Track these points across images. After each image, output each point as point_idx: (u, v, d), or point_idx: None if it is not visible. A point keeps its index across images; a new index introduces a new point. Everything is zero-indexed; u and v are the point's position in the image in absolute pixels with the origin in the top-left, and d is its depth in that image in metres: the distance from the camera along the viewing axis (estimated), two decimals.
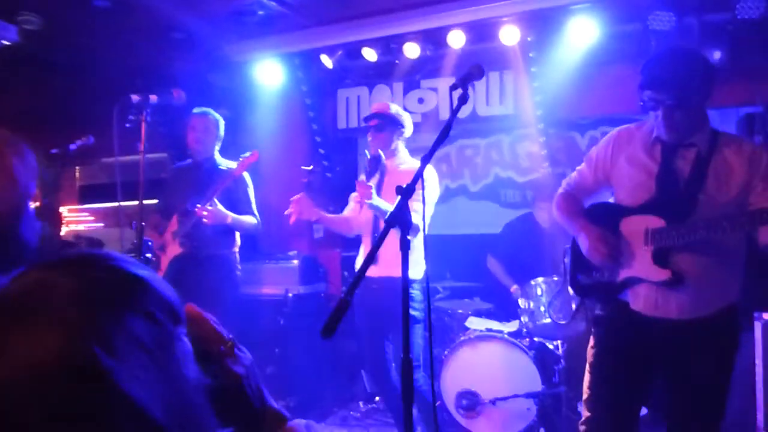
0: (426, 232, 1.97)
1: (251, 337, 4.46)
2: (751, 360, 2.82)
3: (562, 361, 3.62)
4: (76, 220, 6.52)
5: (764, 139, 3.75)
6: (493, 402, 3.59)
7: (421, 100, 5.21)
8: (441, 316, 4.23)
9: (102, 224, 6.39)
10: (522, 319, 3.79)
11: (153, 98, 3.16)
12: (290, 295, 4.64)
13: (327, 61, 4.86)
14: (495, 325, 3.93)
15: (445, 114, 5.07)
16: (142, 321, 0.61)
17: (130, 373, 0.57)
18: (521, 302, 3.81)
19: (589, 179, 2.41)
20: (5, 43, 4.26)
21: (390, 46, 4.71)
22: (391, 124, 3.37)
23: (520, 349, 3.61)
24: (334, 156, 5.61)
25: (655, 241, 2.14)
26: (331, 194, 5.12)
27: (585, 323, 3.40)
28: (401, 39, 4.60)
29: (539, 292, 3.72)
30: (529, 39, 4.45)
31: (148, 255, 3.81)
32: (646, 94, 2.10)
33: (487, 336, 3.73)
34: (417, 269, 3.14)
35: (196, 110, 3.83)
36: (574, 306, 3.39)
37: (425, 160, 1.74)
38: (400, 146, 3.44)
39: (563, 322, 3.49)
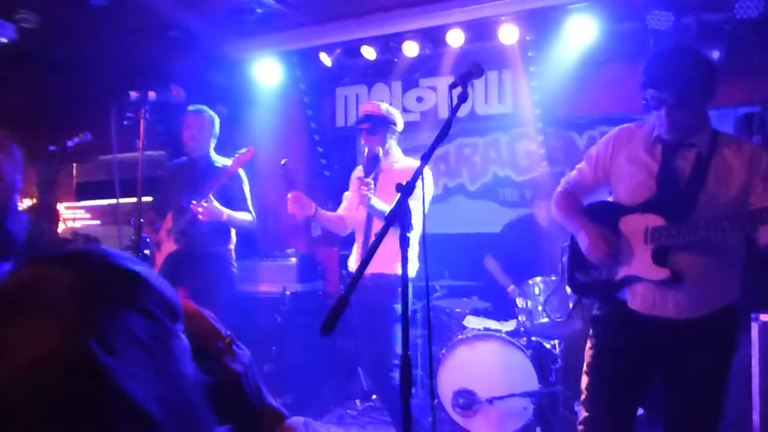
0: (423, 231, 1.97)
1: (249, 335, 4.43)
2: (747, 361, 2.82)
3: (559, 360, 3.63)
4: (74, 217, 6.51)
5: (762, 139, 3.75)
6: (490, 401, 3.60)
7: (420, 99, 5.21)
8: (439, 315, 4.23)
9: (99, 221, 6.39)
10: (519, 318, 3.79)
11: (151, 95, 3.16)
12: (288, 293, 4.64)
13: (326, 59, 4.85)
14: (492, 324, 3.93)
15: (444, 113, 5.07)
16: (139, 317, 0.61)
17: (127, 369, 0.56)
18: (519, 301, 3.82)
19: (588, 177, 2.41)
20: (3, 40, 4.25)
21: (389, 44, 4.70)
22: (383, 124, 3.36)
23: (518, 348, 3.61)
24: (333, 154, 5.61)
25: (655, 240, 2.14)
26: (329, 192, 5.12)
27: (582, 322, 3.41)
28: (400, 37, 4.60)
29: (537, 291, 3.73)
30: (527, 38, 4.45)
31: (146, 252, 3.81)
32: (649, 93, 2.10)
33: (485, 335, 3.73)
34: (410, 267, 3.14)
35: (191, 108, 3.83)
36: (571, 305, 3.40)
37: (425, 159, 1.74)
38: (393, 144, 3.44)
39: (560, 320, 3.49)
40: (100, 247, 0.65)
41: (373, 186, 3.10)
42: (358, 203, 3.19)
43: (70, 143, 3.30)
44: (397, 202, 1.64)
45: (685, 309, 2.13)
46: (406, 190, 1.64)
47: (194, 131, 3.82)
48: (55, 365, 0.54)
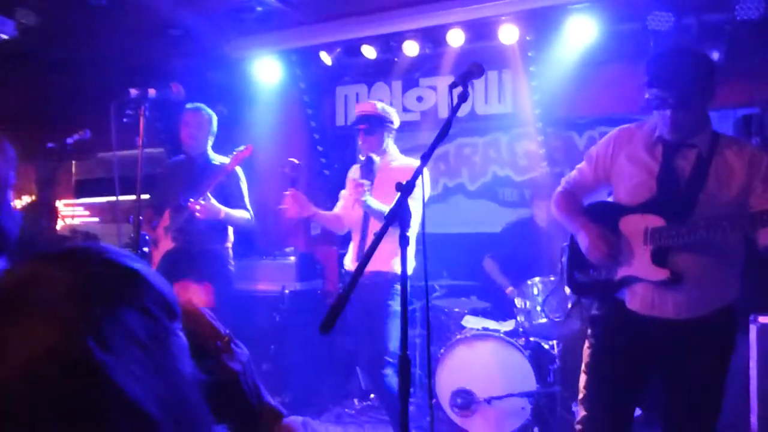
0: (423, 230, 1.97)
1: (248, 334, 4.46)
2: (745, 362, 2.82)
3: (557, 360, 3.63)
4: (73, 214, 6.50)
5: (762, 141, 3.75)
6: (488, 401, 3.60)
7: (420, 99, 5.21)
8: (438, 315, 4.23)
9: (98, 219, 6.38)
10: (518, 318, 3.80)
11: (151, 92, 3.16)
12: (287, 291, 4.64)
13: (326, 58, 4.85)
14: (491, 324, 3.93)
15: (444, 112, 5.07)
16: (137, 316, 0.61)
17: (125, 368, 0.56)
18: (518, 302, 3.82)
19: (589, 177, 2.41)
20: (3, 37, 4.24)
21: (389, 43, 4.70)
22: (380, 124, 3.37)
23: (516, 348, 3.61)
24: (333, 153, 5.61)
25: (654, 241, 2.14)
26: (329, 192, 5.12)
27: (580, 322, 3.42)
28: (400, 37, 4.60)
29: (536, 291, 3.73)
30: (527, 38, 4.45)
31: (145, 249, 3.81)
32: (652, 92, 2.10)
33: (483, 335, 3.73)
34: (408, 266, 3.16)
35: (189, 106, 3.84)
36: (569, 305, 3.40)
37: (425, 159, 1.74)
38: (390, 143, 3.44)
39: (558, 320, 3.50)
40: (99, 245, 0.65)
41: (368, 187, 3.10)
42: (354, 202, 3.19)
43: (69, 141, 3.29)
44: (397, 202, 1.64)
45: (684, 309, 2.13)
46: (405, 189, 1.64)
47: (192, 129, 3.82)
48: (54, 364, 0.54)
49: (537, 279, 3.74)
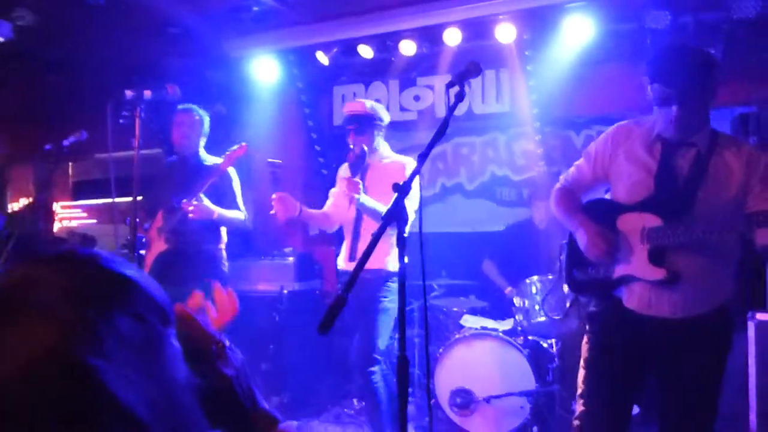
0: (420, 230, 1.96)
1: (246, 335, 4.45)
2: (743, 360, 2.82)
3: (556, 359, 3.64)
4: (70, 216, 6.49)
5: (759, 140, 3.75)
6: (487, 400, 3.60)
7: (417, 98, 5.21)
8: (436, 314, 4.23)
9: (95, 220, 6.37)
10: (517, 317, 3.80)
11: (147, 94, 3.16)
12: (285, 291, 4.64)
13: (323, 57, 4.85)
14: (490, 323, 3.93)
15: (441, 111, 5.07)
16: (130, 321, 0.61)
17: (117, 372, 0.57)
18: (516, 301, 3.82)
19: (587, 175, 2.40)
20: (0, 40, 4.23)
21: (386, 43, 4.70)
22: (370, 123, 3.35)
23: (515, 347, 3.61)
24: (330, 153, 5.60)
25: (652, 240, 2.14)
26: (327, 191, 5.10)
27: (579, 321, 3.42)
28: (397, 36, 4.60)
29: (534, 290, 3.73)
30: (525, 37, 4.45)
31: (142, 252, 3.80)
32: (655, 88, 2.10)
33: (482, 334, 3.73)
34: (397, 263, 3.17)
35: (180, 106, 3.83)
36: (568, 304, 3.40)
37: (422, 159, 1.74)
38: (381, 141, 3.44)
39: (558, 317, 3.50)
40: (93, 250, 0.66)
41: (361, 185, 3.10)
42: (348, 202, 3.18)
43: (65, 142, 3.29)
44: (394, 202, 1.63)
45: (680, 309, 2.13)
46: (402, 189, 1.64)
47: (184, 130, 3.82)
48: (53, 364, 0.54)
49: (535, 278, 3.75)
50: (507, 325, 3.88)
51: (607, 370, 2.27)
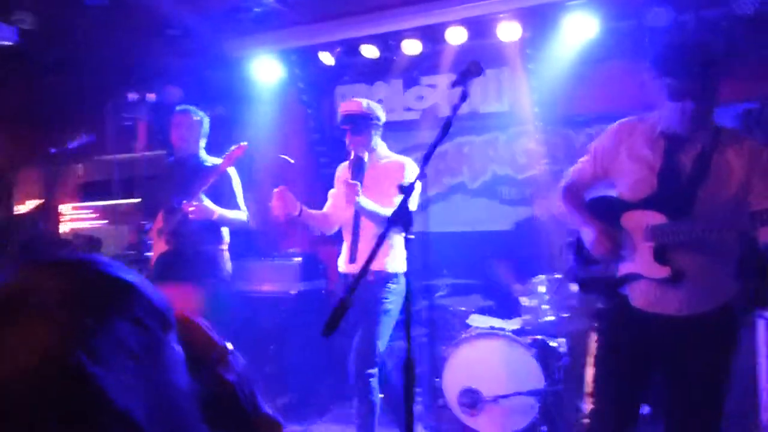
0: (423, 230, 1.97)
1: (252, 335, 4.47)
2: (753, 358, 2.81)
3: (564, 358, 3.62)
4: (77, 217, 6.49)
5: (762, 136, 3.75)
6: (495, 399, 3.59)
7: (420, 97, 5.20)
8: (442, 314, 4.21)
9: (101, 222, 6.37)
10: (524, 316, 3.78)
11: (150, 97, 3.17)
12: (291, 292, 4.64)
13: (326, 57, 4.84)
14: (497, 322, 3.92)
15: (444, 111, 5.07)
16: (129, 326, 0.61)
17: (115, 377, 0.57)
18: (523, 300, 3.81)
19: (589, 172, 2.40)
20: (6, 44, 4.24)
21: (388, 42, 4.69)
22: (366, 122, 3.31)
23: (522, 346, 3.59)
24: (332, 153, 5.58)
25: (656, 238, 2.14)
26: (329, 191, 5.10)
27: (586, 319, 3.41)
28: (400, 36, 4.59)
29: (541, 289, 3.72)
30: (526, 35, 4.45)
31: (148, 254, 3.80)
32: (666, 81, 2.08)
33: (489, 333, 3.71)
34: (398, 263, 3.18)
35: (178, 108, 3.83)
36: (575, 302, 3.40)
37: (425, 160, 1.74)
38: (378, 140, 3.42)
39: (566, 315, 3.49)
40: (93, 255, 0.66)
41: (359, 187, 3.09)
42: (346, 203, 3.17)
43: (72, 145, 3.30)
44: (400, 204, 1.64)
45: (685, 306, 2.14)
46: (407, 191, 1.64)
47: (182, 131, 3.82)
48: (53, 365, 0.55)
49: (543, 277, 3.73)
50: (514, 324, 3.86)
51: (614, 369, 2.27)
